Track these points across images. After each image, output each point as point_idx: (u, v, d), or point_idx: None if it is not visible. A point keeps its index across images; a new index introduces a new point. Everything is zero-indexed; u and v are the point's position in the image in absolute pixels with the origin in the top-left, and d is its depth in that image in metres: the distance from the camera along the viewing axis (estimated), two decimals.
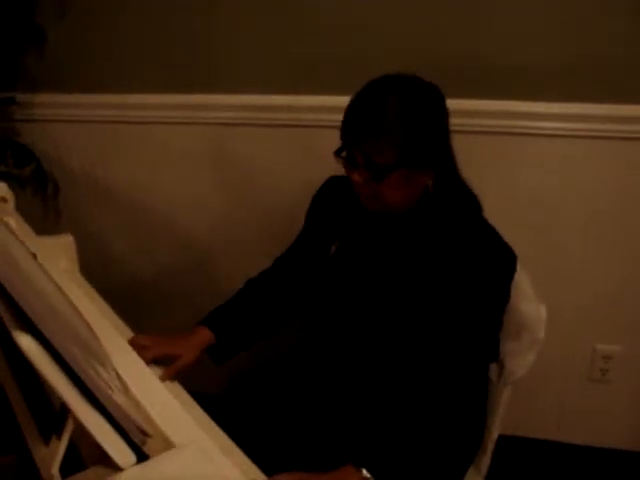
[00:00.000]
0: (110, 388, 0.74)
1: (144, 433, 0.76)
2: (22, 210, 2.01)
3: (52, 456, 0.69)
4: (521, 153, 1.67)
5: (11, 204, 1.61)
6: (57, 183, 1.97)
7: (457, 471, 1.27)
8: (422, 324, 1.16)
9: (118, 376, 0.88)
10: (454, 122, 1.16)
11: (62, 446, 0.69)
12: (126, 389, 0.87)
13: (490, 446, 1.38)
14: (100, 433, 0.68)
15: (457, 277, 1.13)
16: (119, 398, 0.75)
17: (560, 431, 1.97)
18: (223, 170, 1.92)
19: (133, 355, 1.01)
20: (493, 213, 1.22)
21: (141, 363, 0.99)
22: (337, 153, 1.15)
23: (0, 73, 1.85)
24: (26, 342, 0.61)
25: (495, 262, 1.15)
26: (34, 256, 0.89)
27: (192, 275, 2.09)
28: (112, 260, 2.11)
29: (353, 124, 1.10)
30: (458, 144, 1.19)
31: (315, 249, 1.34)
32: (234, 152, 1.88)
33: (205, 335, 1.28)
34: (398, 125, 1.05)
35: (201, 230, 2.03)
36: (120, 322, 1.42)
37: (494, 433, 1.37)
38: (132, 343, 1.22)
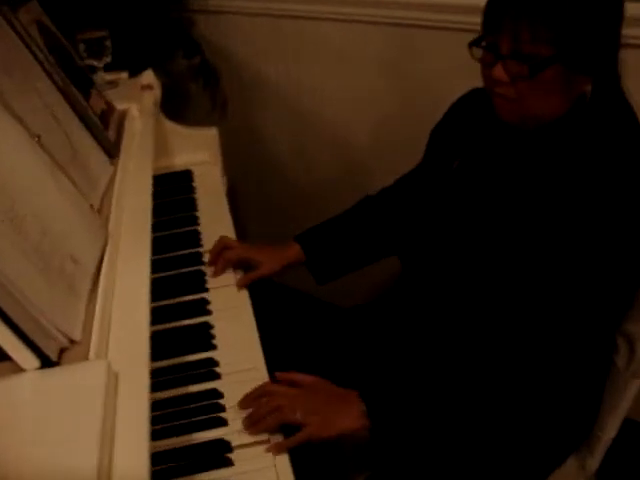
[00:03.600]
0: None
1: (70, 340, 0.69)
2: (193, 101, 2.06)
3: None
4: None
5: (157, 91, 1.62)
6: (217, 74, 1.96)
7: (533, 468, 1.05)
8: (526, 263, 0.93)
9: (99, 267, 0.81)
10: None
11: None
12: (94, 283, 0.80)
13: (601, 446, 1.08)
14: None
15: (580, 220, 0.87)
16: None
17: None
18: (387, 73, 1.73)
19: (146, 261, 0.91)
20: None
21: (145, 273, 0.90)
22: (475, 43, 0.93)
23: None
24: None
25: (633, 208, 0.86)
26: (38, 137, 0.85)
27: (347, 185, 1.98)
28: (268, 159, 2.08)
29: (502, 3, 0.88)
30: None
31: (439, 164, 1.15)
32: (400, 55, 1.67)
33: (293, 252, 1.25)
34: (560, 7, 0.84)
35: (360, 136, 1.89)
36: (229, 223, 1.39)
37: (610, 431, 1.07)
38: (219, 242, 1.24)
